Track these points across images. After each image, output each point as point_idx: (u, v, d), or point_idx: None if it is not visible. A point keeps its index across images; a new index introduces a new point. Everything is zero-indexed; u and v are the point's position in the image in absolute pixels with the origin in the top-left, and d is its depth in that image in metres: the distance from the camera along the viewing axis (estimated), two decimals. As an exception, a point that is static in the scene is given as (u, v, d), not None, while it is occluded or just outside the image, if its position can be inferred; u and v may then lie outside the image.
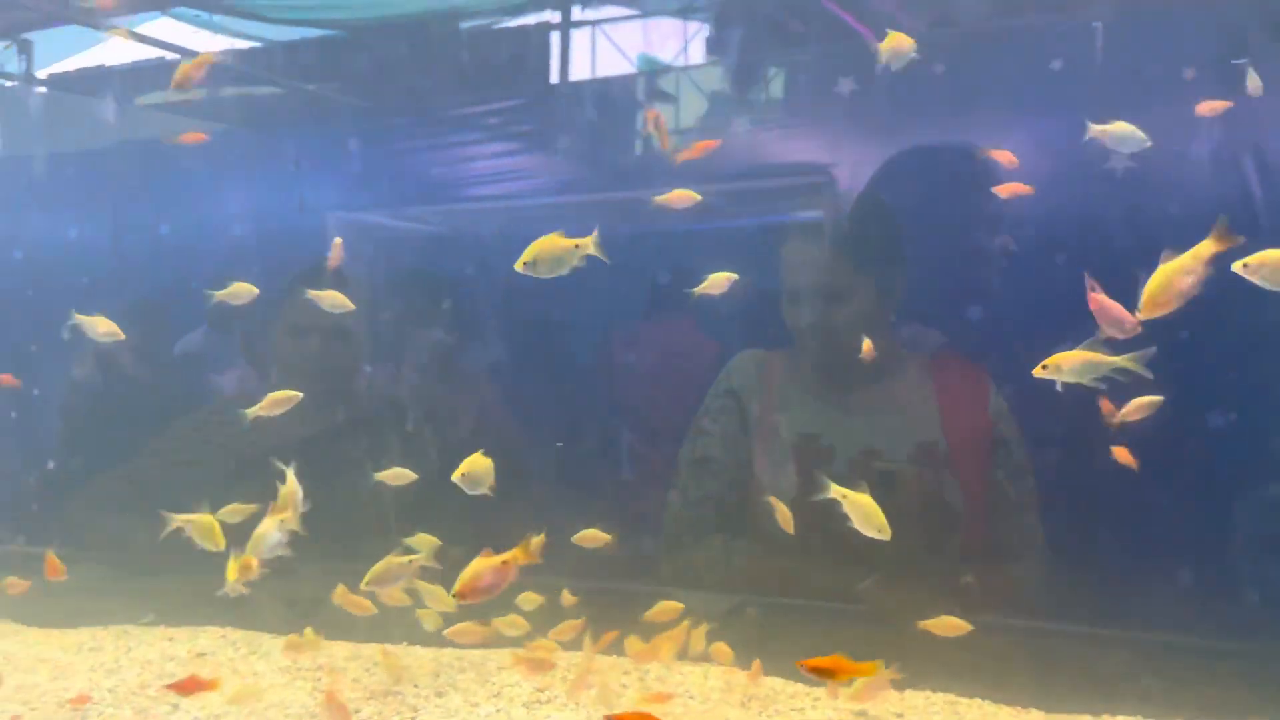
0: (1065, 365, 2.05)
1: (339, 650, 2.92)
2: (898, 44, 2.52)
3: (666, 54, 5.48)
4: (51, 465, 4.92)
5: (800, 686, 2.60)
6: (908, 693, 2.54)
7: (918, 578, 2.92)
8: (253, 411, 2.73)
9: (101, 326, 2.88)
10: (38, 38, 5.42)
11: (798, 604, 3.01)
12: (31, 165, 5.95)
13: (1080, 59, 3.75)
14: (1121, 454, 2.57)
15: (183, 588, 3.18)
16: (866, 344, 2.82)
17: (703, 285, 2.66)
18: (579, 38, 5.40)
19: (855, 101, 4.23)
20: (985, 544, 3.12)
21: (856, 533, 2.22)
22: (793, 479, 3.18)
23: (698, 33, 5.61)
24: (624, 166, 4.91)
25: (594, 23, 5.52)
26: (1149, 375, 2.04)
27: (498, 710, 2.54)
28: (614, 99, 5.06)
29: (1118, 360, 2.02)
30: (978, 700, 2.51)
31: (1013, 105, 4.01)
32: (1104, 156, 3.80)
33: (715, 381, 3.42)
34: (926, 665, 2.54)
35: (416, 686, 2.67)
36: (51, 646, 3.02)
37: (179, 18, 5.15)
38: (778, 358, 3.18)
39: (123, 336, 2.89)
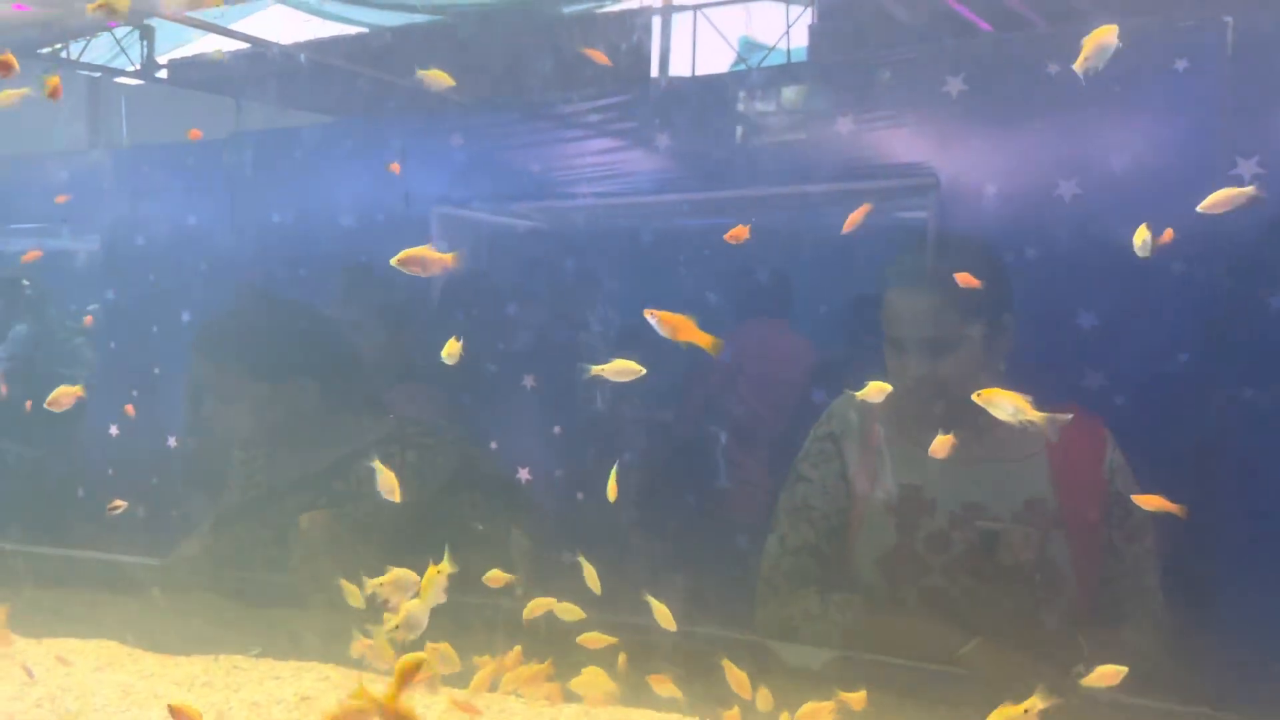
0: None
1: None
2: (1103, 38, 2.19)
3: (768, 38, 5.11)
4: (173, 442, 4.91)
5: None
6: None
7: (1023, 642, 2.69)
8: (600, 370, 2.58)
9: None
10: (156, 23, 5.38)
11: (900, 664, 2.80)
12: (152, 154, 5.94)
13: (1206, 59, 3.36)
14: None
15: (289, 619, 3.13)
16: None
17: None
18: (680, 21, 5.07)
19: (964, 100, 3.88)
20: (1096, 609, 2.83)
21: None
22: (892, 531, 2.97)
23: (799, 17, 5.23)
24: (725, 162, 4.63)
25: (695, 7, 5.22)
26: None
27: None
28: (716, 94, 4.78)
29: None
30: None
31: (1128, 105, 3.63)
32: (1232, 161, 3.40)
33: (815, 424, 3.20)
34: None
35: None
36: (166, 680, 3.02)
37: (290, 4, 5.03)
38: (878, 409, 2.94)
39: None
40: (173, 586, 3.44)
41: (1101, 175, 3.48)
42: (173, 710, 2.06)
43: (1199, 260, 3.29)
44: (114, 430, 5.30)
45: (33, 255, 4.83)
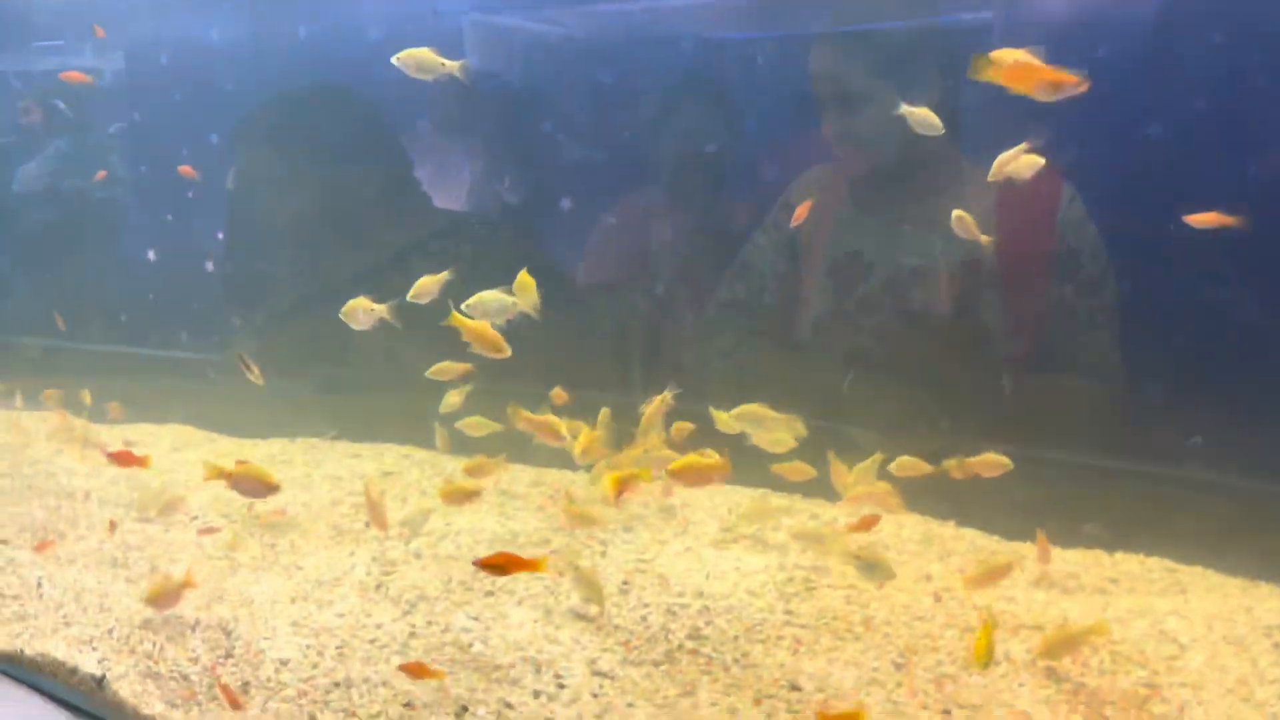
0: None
1: (522, 475, 2.76)
2: None
3: None
4: (210, 266, 4.67)
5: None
6: (1119, 555, 2.27)
7: (950, 398, 2.77)
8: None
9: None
10: None
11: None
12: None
13: None
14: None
15: (359, 407, 3.03)
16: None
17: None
18: None
19: None
20: (1033, 363, 2.83)
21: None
22: (830, 294, 2.90)
23: None
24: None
25: None
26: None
27: (686, 549, 2.35)
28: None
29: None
30: (1199, 568, 2.22)
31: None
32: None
33: (784, 193, 3.15)
34: (1136, 526, 2.27)
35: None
36: (257, 456, 2.93)
37: None
38: (834, 170, 2.96)
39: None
40: (236, 378, 3.30)
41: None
42: (237, 469, 1.98)
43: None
44: (151, 255, 5.04)
45: (74, 76, 4.52)
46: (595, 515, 2.56)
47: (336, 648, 2.02)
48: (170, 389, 3.53)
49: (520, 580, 2.36)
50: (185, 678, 1.95)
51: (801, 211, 2.71)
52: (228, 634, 2.04)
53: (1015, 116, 3.08)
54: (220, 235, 4.43)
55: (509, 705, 1.79)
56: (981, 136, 2.92)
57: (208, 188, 4.63)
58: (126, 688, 1.95)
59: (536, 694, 1.87)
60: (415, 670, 1.84)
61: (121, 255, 5.16)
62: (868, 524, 2.45)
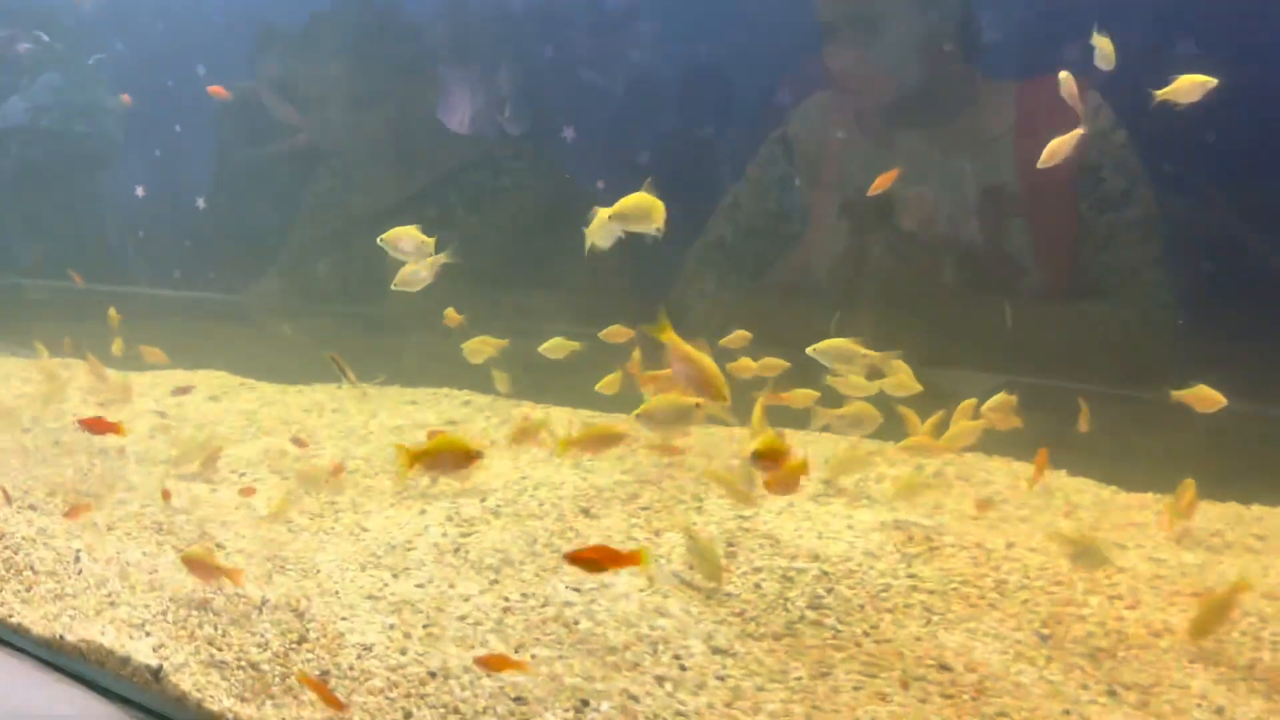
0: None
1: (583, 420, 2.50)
2: None
3: None
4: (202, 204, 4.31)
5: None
6: (1256, 508, 2.04)
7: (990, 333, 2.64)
8: None
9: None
10: None
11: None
12: None
13: None
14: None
15: (406, 348, 2.74)
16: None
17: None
18: None
19: None
20: (1061, 290, 2.67)
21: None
22: (844, 235, 2.72)
23: None
24: None
25: None
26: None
27: (787, 505, 2.10)
28: None
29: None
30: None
31: None
32: None
33: (781, 124, 2.91)
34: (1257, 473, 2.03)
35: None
36: (290, 407, 2.67)
37: None
38: (843, 100, 2.75)
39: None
40: (264, 320, 3.01)
41: None
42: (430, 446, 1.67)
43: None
44: (140, 191, 4.69)
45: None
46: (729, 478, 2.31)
47: (424, 627, 1.77)
48: (198, 332, 3.25)
49: (617, 538, 2.11)
50: (255, 666, 1.71)
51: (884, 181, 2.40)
52: (299, 615, 1.78)
53: (1035, 38, 2.80)
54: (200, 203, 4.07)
55: (633, 698, 1.55)
56: (1002, 54, 2.68)
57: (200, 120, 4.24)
58: (188, 679, 1.71)
59: (660, 680, 1.63)
60: (495, 664, 1.57)
61: (121, 189, 4.86)
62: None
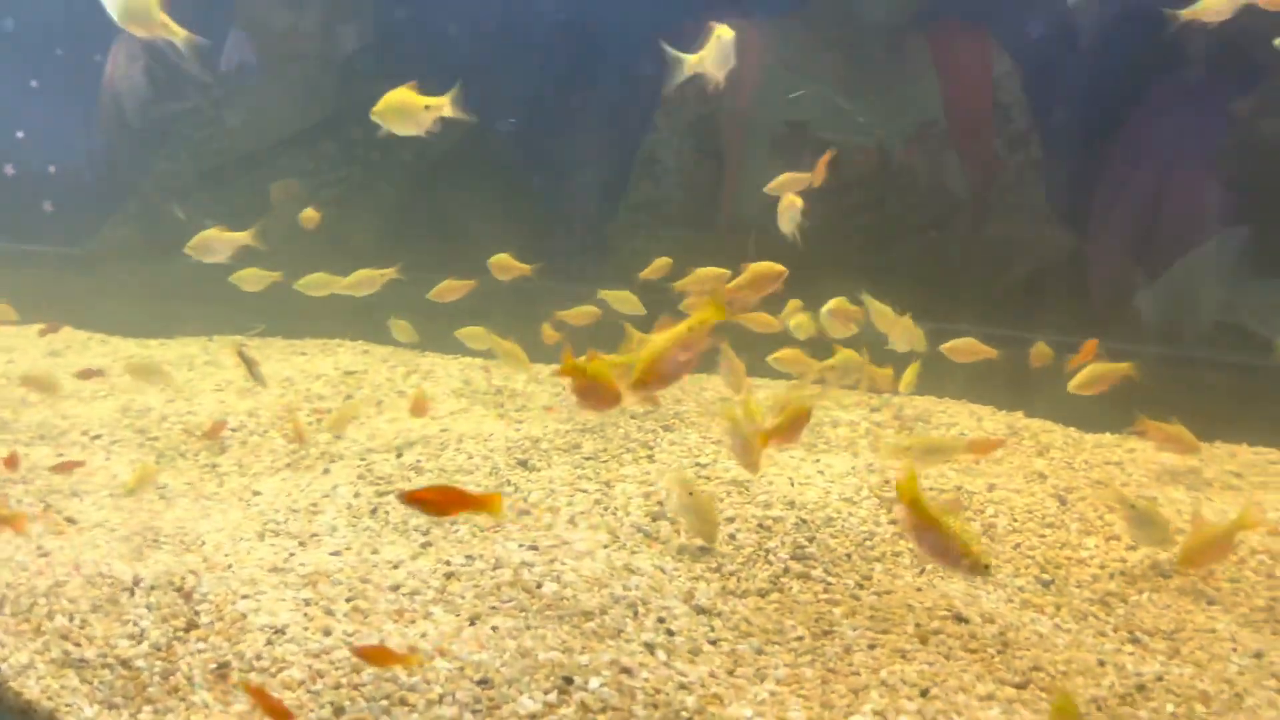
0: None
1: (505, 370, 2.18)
2: None
3: None
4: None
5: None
6: (1218, 445, 1.94)
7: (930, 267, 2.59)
8: None
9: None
10: None
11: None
12: None
13: None
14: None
15: (287, 300, 2.28)
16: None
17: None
18: None
19: None
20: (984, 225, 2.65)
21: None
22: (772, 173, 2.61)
23: None
24: None
25: None
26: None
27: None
28: None
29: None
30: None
31: None
32: None
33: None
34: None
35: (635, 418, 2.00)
36: (167, 357, 2.20)
37: None
38: (766, 31, 2.55)
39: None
40: (111, 270, 2.54)
41: None
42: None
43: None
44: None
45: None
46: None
47: (348, 600, 1.40)
48: (34, 284, 2.70)
49: (563, 491, 1.79)
50: (127, 664, 1.30)
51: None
52: (185, 595, 1.38)
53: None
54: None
55: (626, 670, 1.24)
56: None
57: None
58: (35, 684, 1.29)
59: (650, 648, 1.32)
60: (377, 657, 1.22)
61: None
62: (989, 446, 2.01)
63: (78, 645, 1.32)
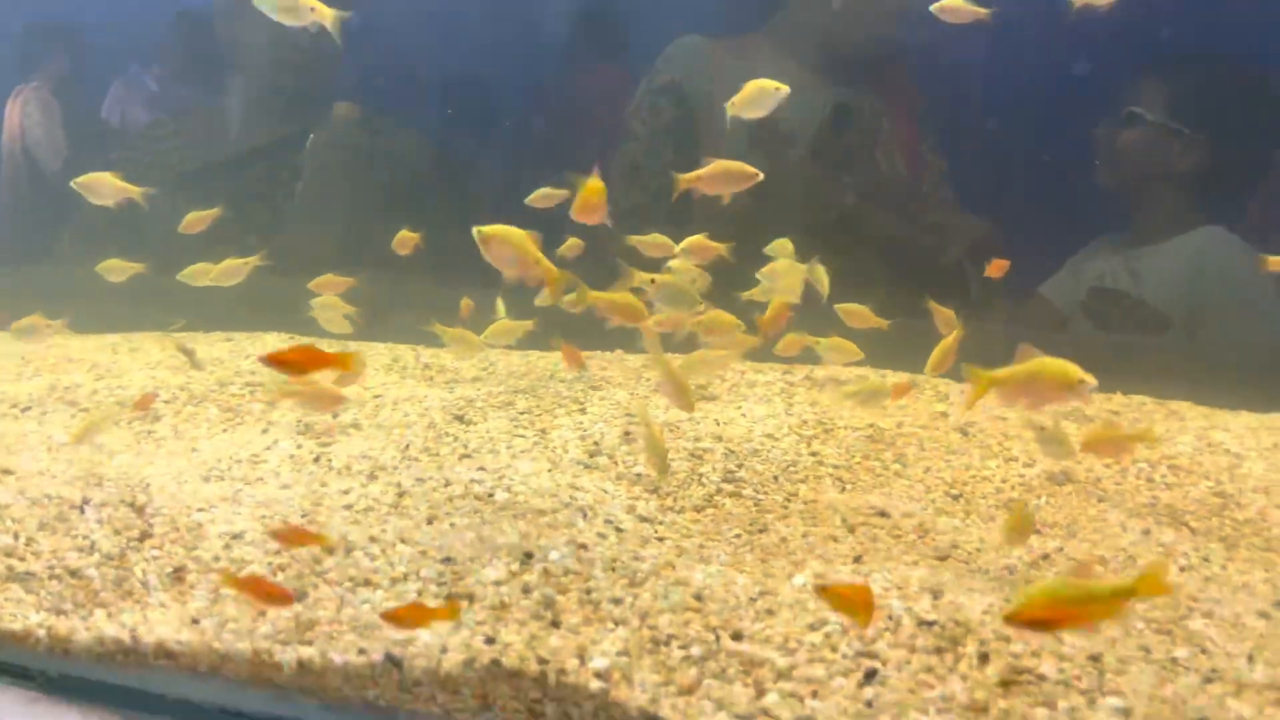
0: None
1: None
2: None
3: None
4: None
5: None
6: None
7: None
8: None
9: None
10: None
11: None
12: None
13: None
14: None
15: (206, 295, 2.28)
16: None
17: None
18: None
19: None
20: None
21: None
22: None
23: None
24: None
25: None
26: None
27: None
28: None
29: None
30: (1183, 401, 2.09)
31: None
32: None
33: (649, 74, 2.85)
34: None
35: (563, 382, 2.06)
36: (73, 348, 2.17)
37: None
38: (730, 46, 2.68)
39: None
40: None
41: None
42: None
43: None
44: None
45: None
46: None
47: (303, 516, 1.41)
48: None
49: (503, 438, 1.83)
50: (77, 574, 1.28)
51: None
52: (138, 510, 1.37)
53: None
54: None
55: (583, 545, 1.29)
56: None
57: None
58: (-22, 597, 1.25)
59: (602, 536, 1.38)
60: (292, 537, 1.25)
61: None
62: (903, 390, 2.13)
63: (22, 560, 1.29)
